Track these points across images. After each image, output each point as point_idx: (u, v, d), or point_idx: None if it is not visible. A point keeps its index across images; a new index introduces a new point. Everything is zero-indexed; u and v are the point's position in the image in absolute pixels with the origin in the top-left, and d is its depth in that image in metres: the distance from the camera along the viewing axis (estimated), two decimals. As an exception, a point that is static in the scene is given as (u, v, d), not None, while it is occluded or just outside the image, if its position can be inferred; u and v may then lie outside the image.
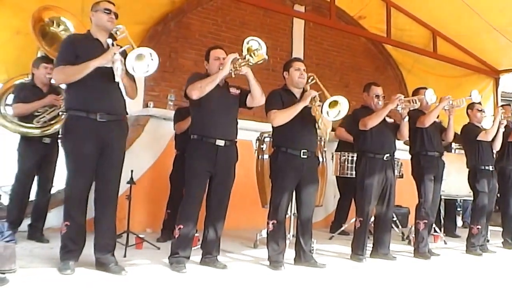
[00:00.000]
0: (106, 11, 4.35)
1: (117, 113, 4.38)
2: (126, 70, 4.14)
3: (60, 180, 6.36)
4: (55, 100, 5.73)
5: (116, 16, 4.38)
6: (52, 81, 5.75)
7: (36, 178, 5.88)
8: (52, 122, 5.75)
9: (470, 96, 6.57)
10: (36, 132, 5.69)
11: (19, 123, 5.69)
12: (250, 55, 4.75)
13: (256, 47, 4.80)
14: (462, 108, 6.73)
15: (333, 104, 5.02)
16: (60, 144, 5.91)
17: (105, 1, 4.43)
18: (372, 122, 5.71)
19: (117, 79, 4.17)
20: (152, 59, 4.11)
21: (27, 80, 5.92)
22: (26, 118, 5.68)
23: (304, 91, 5.20)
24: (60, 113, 5.73)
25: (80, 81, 4.21)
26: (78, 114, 4.24)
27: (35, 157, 5.77)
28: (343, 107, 5.04)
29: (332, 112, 5.03)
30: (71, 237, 4.22)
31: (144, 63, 4.10)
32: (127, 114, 4.55)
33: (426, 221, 6.23)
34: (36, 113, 5.69)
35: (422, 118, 6.19)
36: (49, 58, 5.76)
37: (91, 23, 4.44)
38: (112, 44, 4.29)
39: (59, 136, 5.96)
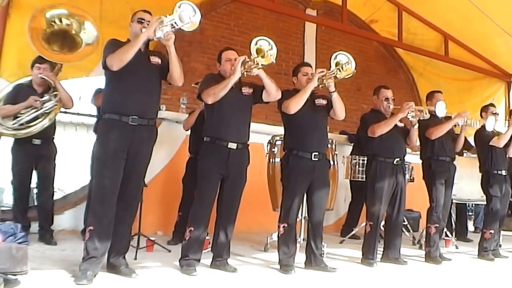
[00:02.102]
0: (139, 21, 4.40)
1: (148, 117, 4.39)
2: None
3: (71, 182, 6.43)
4: (34, 101, 5.66)
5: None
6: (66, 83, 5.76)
7: (36, 179, 5.92)
8: (31, 124, 5.66)
9: (486, 121, 6.50)
10: (17, 133, 5.65)
11: (3, 124, 5.65)
12: (262, 57, 4.76)
13: (267, 47, 4.81)
14: (476, 111, 6.71)
15: (338, 65, 5.13)
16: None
17: (141, 11, 4.48)
18: (381, 130, 5.70)
19: (174, 24, 4.16)
20: (194, 14, 4.17)
21: (26, 82, 5.91)
22: (14, 119, 5.67)
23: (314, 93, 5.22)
24: (42, 114, 5.70)
25: (116, 84, 4.29)
26: (112, 117, 4.27)
27: (26, 158, 5.79)
28: (343, 60, 5.15)
29: (343, 72, 5.13)
30: (94, 244, 4.13)
31: (186, 18, 4.14)
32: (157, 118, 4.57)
33: (437, 225, 6.21)
34: (19, 115, 5.66)
35: (432, 129, 6.16)
36: (43, 58, 5.65)
37: (130, 33, 4.47)
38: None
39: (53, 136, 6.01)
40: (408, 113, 5.74)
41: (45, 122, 5.69)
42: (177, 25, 4.15)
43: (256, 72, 4.76)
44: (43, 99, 5.70)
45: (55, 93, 5.73)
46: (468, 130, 6.59)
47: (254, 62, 4.71)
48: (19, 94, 5.74)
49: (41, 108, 5.69)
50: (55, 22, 5.56)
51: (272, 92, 4.89)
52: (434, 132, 6.15)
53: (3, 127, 5.65)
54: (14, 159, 5.82)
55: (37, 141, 5.78)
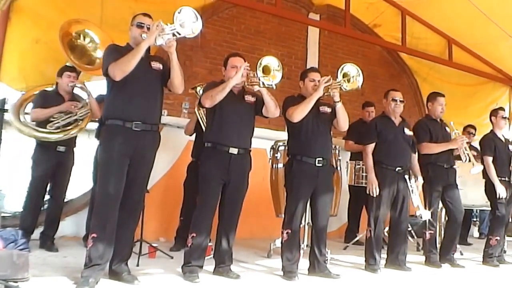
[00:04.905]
0: (139, 25, 4.38)
1: (152, 123, 4.37)
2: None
3: (74, 188, 6.40)
4: (71, 106, 5.77)
5: (149, 28, 4.35)
6: (75, 91, 5.83)
7: (49, 186, 5.89)
8: (67, 128, 5.76)
9: (473, 166, 6.41)
10: (50, 137, 5.69)
11: (34, 127, 5.70)
12: (268, 74, 4.78)
13: (276, 68, 4.82)
14: (480, 116, 6.67)
15: (345, 75, 5.14)
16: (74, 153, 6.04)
17: (141, 15, 4.46)
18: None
19: (175, 33, 4.16)
20: (196, 21, 4.16)
21: (51, 89, 5.96)
22: (42, 123, 5.70)
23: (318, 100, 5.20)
24: (75, 120, 5.77)
25: (119, 90, 4.26)
26: (115, 123, 4.25)
27: (48, 164, 5.79)
28: (352, 72, 5.15)
29: (349, 84, 5.13)
30: (98, 251, 4.10)
31: (187, 26, 4.14)
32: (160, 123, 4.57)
33: (431, 231, 6.25)
34: (52, 119, 5.71)
35: (424, 146, 6.24)
36: (73, 67, 5.83)
37: (130, 37, 4.47)
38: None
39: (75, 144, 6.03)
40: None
41: (81, 127, 5.87)
42: (179, 34, 4.13)
43: (257, 89, 4.78)
44: (79, 105, 5.80)
45: (86, 101, 5.86)
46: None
47: (257, 79, 4.73)
48: (47, 100, 5.79)
49: (75, 114, 5.80)
50: (81, 37, 5.95)
51: (271, 110, 4.91)
52: (423, 150, 6.22)
53: (34, 129, 5.70)
54: (36, 164, 5.82)
55: (61, 148, 5.84)
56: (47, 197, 5.97)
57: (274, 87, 4.78)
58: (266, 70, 4.78)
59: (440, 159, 6.23)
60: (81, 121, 5.85)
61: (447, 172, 6.30)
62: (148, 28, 4.31)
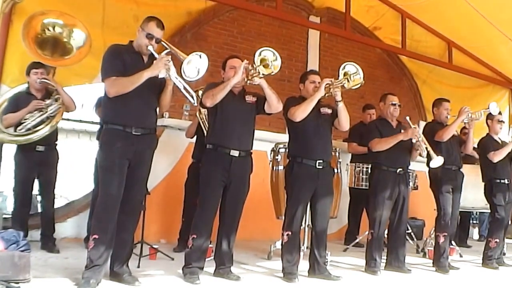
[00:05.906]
0: (148, 36, 4.32)
1: (150, 127, 4.40)
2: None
3: (74, 189, 6.42)
4: (37, 104, 5.63)
5: (158, 41, 4.36)
6: (60, 87, 5.76)
7: (38, 187, 5.90)
8: (37, 128, 5.58)
9: (488, 108, 6.49)
10: (19, 139, 5.59)
11: (5, 132, 5.60)
12: (265, 66, 4.79)
13: (271, 58, 4.83)
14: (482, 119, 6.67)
15: (346, 74, 5.17)
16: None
17: (154, 23, 4.36)
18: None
19: (178, 84, 4.25)
20: (200, 61, 4.25)
21: (23, 89, 5.87)
22: (16, 126, 5.62)
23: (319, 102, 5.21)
24: (47, 118, 5.65)
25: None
26: (115, 128, 4.25)
27: (30, 165, 5.77)
28: (351, 71, 5.17)
29: (351, 82, 5.15)
30: (99, 252, 4.10)
31: (192, 66, 4.20)
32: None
33: (445, 233, 6.18)
34: (23, 121, 5.59)
35: (441, 132, 6.14)
36: (39, 63, 5.64)
37: (137, 38, 4.42)
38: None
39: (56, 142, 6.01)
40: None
41: (52, 124, 5.66)
42: (182, 85, 4.25)
43: (257, 81, 4.77)
44: (46, 102, 5.66)
45: (57, 96, 5.70)
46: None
47: (255, 70, 4.73)
48: (19, 102, 5.69)
49: (46, 112, 5.65)
50: (48, 29, 5.58)
51: (273, 103, 4.88)
52: (443, 134, 6.12)
53: (7, 134, 5.59)
54: (18, 167, 5.80)
55: (40, 148, 5.77)
56: (39, 198, 5.98)
57: (275, 71, 4.81)
58: (263, 62, 4.81)
59: (448, 162, 6.18)
60: (53, 118, 5.68)
61: (455, 174, 6.32)
62: (156, 41, 4.33)
